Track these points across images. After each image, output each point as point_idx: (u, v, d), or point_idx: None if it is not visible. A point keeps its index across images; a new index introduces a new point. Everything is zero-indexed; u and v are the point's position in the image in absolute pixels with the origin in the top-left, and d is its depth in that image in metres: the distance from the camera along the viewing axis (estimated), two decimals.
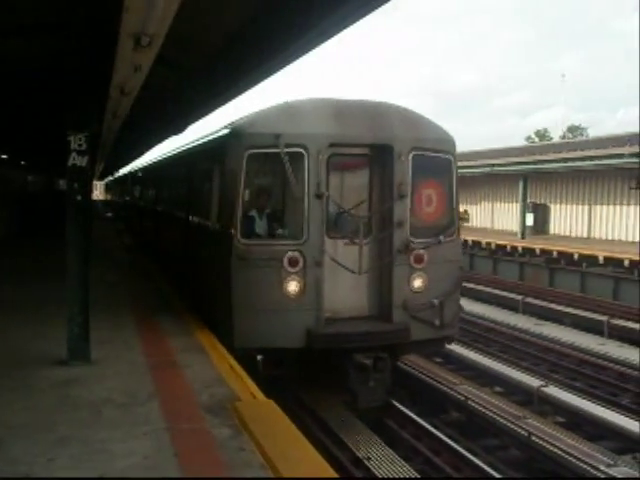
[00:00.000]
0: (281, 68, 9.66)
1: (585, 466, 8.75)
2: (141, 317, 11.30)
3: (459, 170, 10.46)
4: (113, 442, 5.91)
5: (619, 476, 8.41)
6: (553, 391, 11.91)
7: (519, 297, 22.28)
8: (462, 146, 15.39)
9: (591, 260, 25.94)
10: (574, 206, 33.52)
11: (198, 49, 9.74)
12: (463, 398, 11.19)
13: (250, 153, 9.16)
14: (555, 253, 27.83)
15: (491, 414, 10.56)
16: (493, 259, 31.10)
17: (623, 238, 30.33)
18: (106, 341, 9.30)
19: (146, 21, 5.12)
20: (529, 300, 22.06)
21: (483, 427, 10.62)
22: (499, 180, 35.54)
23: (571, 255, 26.95)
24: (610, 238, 31.02)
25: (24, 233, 26.79)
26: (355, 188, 9.94)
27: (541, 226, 34.95)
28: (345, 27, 7.51)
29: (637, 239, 28.67)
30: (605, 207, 31.59)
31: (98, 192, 72.25)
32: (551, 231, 35.04)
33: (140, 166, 30.48)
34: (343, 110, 9.57)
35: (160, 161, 21.25)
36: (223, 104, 13.54)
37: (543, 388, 11.98)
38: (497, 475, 8.77)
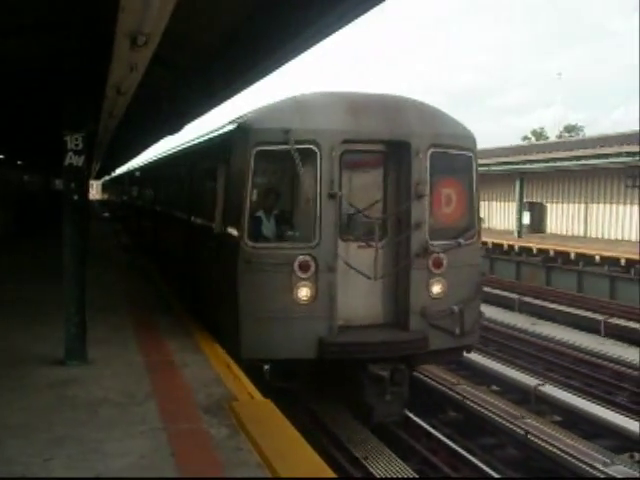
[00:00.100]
0: (277, 68, 9.64)
1: (582, 465, 8.76)
2: (138, 317, 11.28)
3: None
4: (110, 442, 5.90)
5: (617, 475, 8.43)
6: (550, 390, 11.93)
7: (516, 296, 22.31)
8: None
9: (587, 259, 25.99)
10: (570, 205, 33.57)
11: (194, 48, 9.73)
12: (461, 397, 11.19)
13: (258, 150, 8.61)
14: (552, 252, 27.88)
15: (488, 413, 10.56)
16: (490, 258, 31.15)
17: (619, 237, 30.39)
18: (103, 341, 9.28)
19: (142, 20, 5.11)
20: (526, 299, 22.09)
21: (480, 426, 10.63)
22: (495, 179, 35.59)
23: (568, 254, 26.99)
24: (606, 237, 31.07)
25: (21, 233, 26.73)
26: (368, 187, 9.44)
27: (537, 225, 35.02)
28: (342, 26, 7.50)
29: (633, 238, 28.73)
30: (601, 206, 31.65)
31: (95, 191, 72.15)
32: (547, 230, 35.10)
33: (138, 165, 30.24)
34: (357, 104, 9.01)
35: (159, 159, 20.75)
36: (219, 104, 13.53)
37: (540, 387, 12.00)
38: (496, 475, 8.78)
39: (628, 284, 23.66)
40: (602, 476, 8.48)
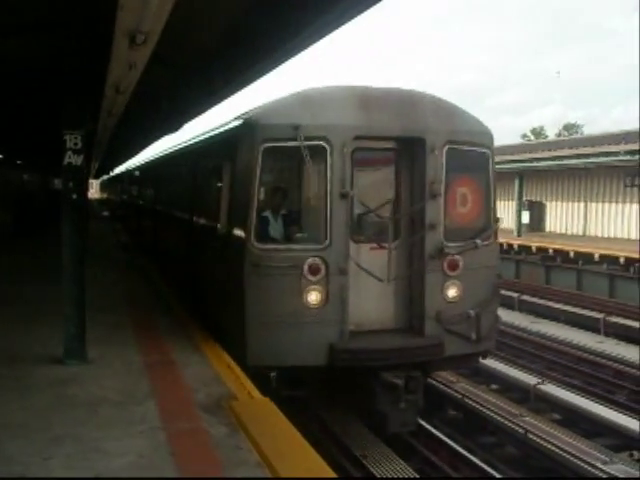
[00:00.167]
0: (276, 66, 9.62)
1: (581, 463, 8.77)
2: (138, 317, 11.27)
3: None
4: (109, 441, 5.89)
5: (616, 474, 8.43)
6: (550, 389, 11.94)
7: (515, 295, 22.32)
8: None
9: (587, 257, 25.99)
10: (570, 204, 33.59)
11: (193, 47, 9.71)
12: (460, 396, 11.20)
13: (266, 147, 8.23)
14: (551, 251, 27.88)
15: (488, 412, 10.57)
16: None
17: (619, 235, 30.40)
18: (103, 340, 9.27)
19: (141, 19, 5.10)
20: (525, 298, 22.09)
21: (480, 425, 10.63)
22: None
23: (567, 253, 27.00)
24: (605, 235, 31.09)
25: (20, 233, 26.71)
26: (379, 186, 9.09)
27: (537, 224, 35.03)
28: (340, 25, 7.50)
29: (632, 236, 28.73)
30: (600, 205, 31.67)
31: (94, 190, 72.15)
32: (547, 229, 35.11)
33: (138, 163, 29.99)
34: (369, 99, 8.59)
35: (160, 158, 20.28)
36: (219, 102, 13.52)
37: (539, 386, 12.01)
38: (497, 475, 8.77)
39: (627, 282, 23.68)
40: (601, 475, 8.49)
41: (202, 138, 12.66)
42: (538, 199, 35.45)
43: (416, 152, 8.74)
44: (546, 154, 30.47)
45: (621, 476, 8.39)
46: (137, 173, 28.28)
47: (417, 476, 8.44)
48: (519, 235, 32.47)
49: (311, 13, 7.27)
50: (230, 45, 9.41)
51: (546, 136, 68.74)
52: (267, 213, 8.60)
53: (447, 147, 8.70)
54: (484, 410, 10.65)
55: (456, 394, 11.30)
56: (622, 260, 24.41)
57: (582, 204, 32.71)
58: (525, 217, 33.83)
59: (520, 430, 9.81)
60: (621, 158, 25.75)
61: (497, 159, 33.74)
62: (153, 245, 19.73)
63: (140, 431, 6.15)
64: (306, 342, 8.19)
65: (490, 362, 13.68)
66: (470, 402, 10.95)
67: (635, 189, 28.68)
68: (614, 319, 18.70)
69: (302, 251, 8.28)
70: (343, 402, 9.38)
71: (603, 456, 8.89)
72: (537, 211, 35.18)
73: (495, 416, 10.39)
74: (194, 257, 11.89)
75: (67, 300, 8.36)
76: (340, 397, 9.22)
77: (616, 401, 12.23)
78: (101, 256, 19.24)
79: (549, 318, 19.78)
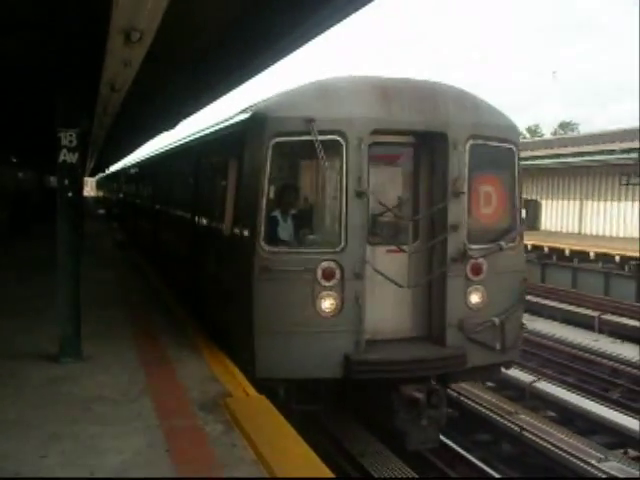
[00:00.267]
0: (275, 62, 9.61)
1: (576, 461, 8.80)
2: (134, 315, 11.27)
3: None
4: (104, 439, 5.90)
5: (611, 471, 8.46)
6: (545, 386, 11.97)
7: None
8: None
9: (582, 256, 26.06)
10: (565, 202, 33.66)
11: (189, 45, 9.70)
12: (455, 394, 11.21)
13: (276, 142, 7.66)
14: (546, 249, 27.94)
15: (483, 410, 10.59)
16: None
17: (614, 234, 30.47)
18: (98, 338, 9.26)
19: (136, 16, 5.10)
20: None
21: (475, 423, 10.65)
22: None
23: (562, 251, 27.07)
24: (601, 234, 31.16)
25: (16, 231, 26.66)
26: (396, 184, 8.55)
27: (532, 222, 34.91)
28: (336, 23, 7.53)
29: (628, 235, 28.81)
30: (596, 203, 31.74)
31: (89, 189, 72.04)
32: (542, 227, 35.15)
33: (136, 161, 29.42)
34: (388, 90, 7.97)
35: (160, 155, 19.43)
36: (215, 100, 13.53)
37: (535, 383, 12.04)
38: (495, 474, 8.78)
39: (622, 280, 23.75)
40: (596, 472, 8.52)
41: (206, 133, 12.09)
42: (534, 197, 35.49)
43: (437, 147, 8.19)
44: (542, 152, 30.51)
45: (616, 473, 8.43)
46: (135, 171, 27.63)
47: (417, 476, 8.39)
48: None
49: (307, 10, 7.27)
50: (226, 42, 9.41)
51: (542, 134, 68.86)
52: (276, 213, 8.02)
53: (471, 142, 8.16)
54: (479, 408, 10.67)
55: (452, 392, 11.32)
56: (617, 259, 24.48)
57: (578, 202, 32.78)
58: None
59: (515, 428, 9.83)
60: (617, 156, 25.82)
61: None
62: (152, 245, 19.04)
63: (135, 428, 6.15)
64: (319, 353, 7.61)
65: None
66: (465, 400, 10.97)
67: (630, 187, 28.74)
68: (609, 317, 18.75)
69: (315, 254, 7.71)
70: (358, 418, 8.83)
71: (598, 454, 8.92)
72: (532, 209, 35.08)
73: (490, 414, 10.41)
74: (197, 259, 11.34)
75: (62, 298, 8.36)
76: (355, 412, 8.69)
77: (611, 399, 12.27)
78: (97, 254, 19.23)
79: (544, 316, 19.82)
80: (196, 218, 11.57)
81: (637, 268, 23.25)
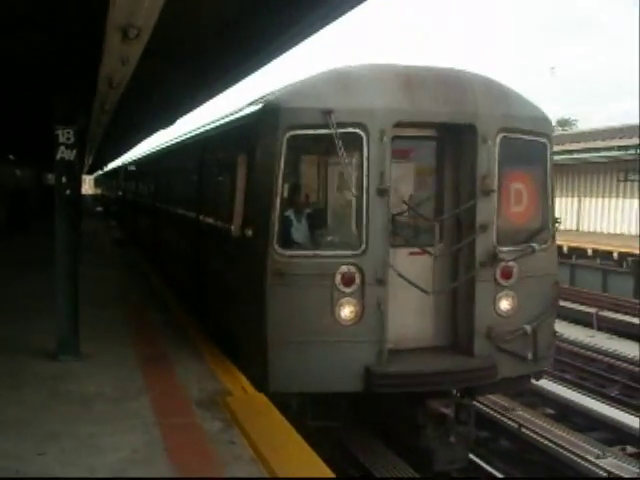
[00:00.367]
0: (273, 58, 9.57)
1: (575, 457, 8.81)
2: (132, 313, 11.27)
3: None
4: (103, 437, 5.90)
5: (609, 468, 8.47)
6: (543, 383, 11.97)
7: None
8: None
9: (580, 252, 26.09)
10: (563, 198, 33.66)
11: (187, 41, 9.68)
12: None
13: (291, 135, 7.07)
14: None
15: (481, 406, 10.60)
16: None
17: (612, 231, 30.49)
18: (96, 336, 9.25)
19: (133, 13, 5.08)
20: None
21: (474, 419, 10.64)
22: None
23: (560, 248, 27.06)
24: (599, 231, 31.18)
25: (13, 228, 26.63)
26: (407, 180, 8.07)
27: None
28: (334, 19, 7.50)
29: (625, 231, 28.84)
30: (594, 200, 31.75)
31: (87, 186, 72.00)
32: None
33: (135, 158, 29.06)
34: (411, 78, 7.41)
35: (161, 151, 18.85)
36: (213, 97, 13.51)
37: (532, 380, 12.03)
38: (494, 471, 8.79)
39: (620, 277, 23.78)
40: (594, 468, 8.53)
41: (211, 127, 11.49)
42: None
43: (464, 141, 7.63)
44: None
45: (614, 470, 8.44)
46: (134, 168, 27.16)
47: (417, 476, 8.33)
48: None
49: (304, 9, 7.26)
50: (223, 40, 9.39)
51: None
52: (289, 213, 7.47)
53: (501, 135, 7.58)
54: (477, 404, 10.67)
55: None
56: (615, 255, 24.51)
57: (575, 199, 32.79)
58: None
59: (514, 424, 9.84)
60: (615, 153, 25.83)
61: None
62: (152, 245, 18.59)
63: (134, 426, 6.15)
64: (338, 364, 7.05)
65: None
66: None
67: (628, 184, 28.74)
68: (607, 314, 18.78)
69: (333, 258, 7.14)
70: (377, 433, 8.30)
71: (596, 450, 8.94)
72: None
73: (489, 410, 10.41)
74: (201, 261, 10.78)
75: (60, 296, 8.36)
76: (374, 427, 8.23)
77: (609, 395, 12.29)
78: (95, 252, 19.20)
79: None
80: (200, 217, 11.04)
81: (635, 265, 23.28)
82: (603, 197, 31.11)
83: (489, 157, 7.52)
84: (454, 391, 7.69)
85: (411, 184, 8.11)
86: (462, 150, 7.70)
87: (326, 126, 6.93)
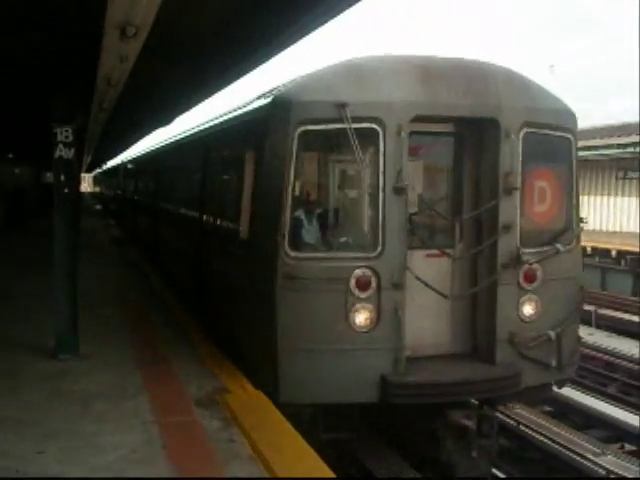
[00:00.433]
0: (272, 56, 9.57)
1: (573, 455, 8.82)
2: (131, 312, 11.26)
3: None
4: (102, 435, 5.90)
5: (607, 466, 8.49)
6: None
7: None
8: None
9: None
10: None
11: (185, 39, 9.67)
12: None
13: (303, 130, 6.72)
14: None
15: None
16: None
17: (610, 229, 30.50)
18: (95, 335, 9.25)
19: (131, 11, 5.08)
20: None
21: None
22: None
23: None
24: (598, 228, 31.18)
25: (12, 227, 26.62)
26: (435, 178, 7.79)
27: None
28: (332, 17, 7.49)
29: (624, 229, 28.87)
30: (592, 198, 31.75)
31: (86, 184, 72.00)
32: None
33: (135, 155, 28.77)
34: (430, 70, 7.07)
35: (163, 147, 18.32)
36: (210, 96, 13.51)
37: None
38: (500, 474, 8.79)
39: (619, 275, 23.81)
40: (592, 466, 8.55)
41: (216, 123, 11.03)
42: None
43: (486, 136, 7.27)
44: None
45: (612, 468, 8.46)
46: (134, 166, 26.81)
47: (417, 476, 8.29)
48: None
49: (302, 8, 7.26)
50: (221, 38, 9.38)
51: None
52: (299, 212, 7.04)
53: (525, 130, 7.21)
54: (476, 402, 10.67)
55: None
56: (614, 253, 24.53)
57: None
58: None
59: (512, 422, 9.85)
60: (614, 151, 25.83)
61: None
62: (152, 244, 18.16)
63: (133, 425, 6.16)
64: (352, 374, 6.69)
65: None
66: None
67: (627, 182, 28.75)
68: (605, 311, 18.80)
69: (348, 260, 6.78)
70: (396, 447, 7.87)
71: (595, 448, 8.95)
72: None
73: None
74: (204, 262, 10.39)
75: (59, 295, 8.35)
76: (390, 438, 7.89)
77: (607, 393, 12.30)
78: (94, 250, 19.19)
79: None
80: (204, 217, 10.62)
81: (634, 263, 23.31)
82: (602, 195, 31.11)
83: (512, 153, 7.14)
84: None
85: (420, 183, 7.70)
86: (483, 146, 7.34)
87: (340, 120, 6.59)
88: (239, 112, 9.38)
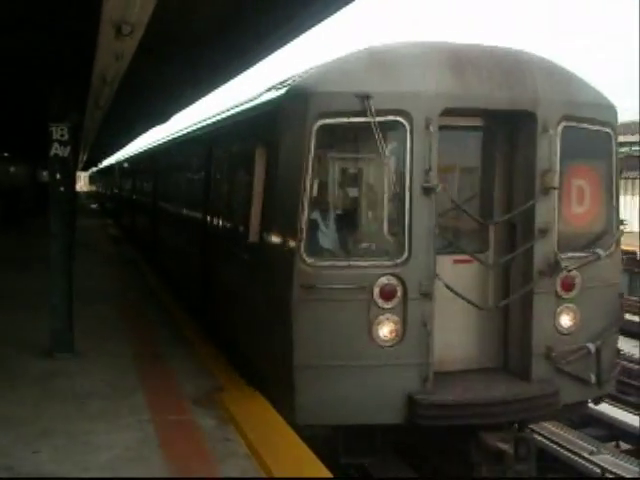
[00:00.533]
0: (268, 54, 9.57)
1: (568, 453, 8.82)
2: (127, 310, 11.26)
3: None
4: (97, 434, 5.89)
5: (603, 464, 8.49)
6: None
7: None
8: None
9: None
10: None
11: (181, 37, 9.66)
12: None
13: (321, 124, 6.09)
14: None
15: None
16: None
17: None
18: (91, 333, 9.25)
19: (127, 9, 5.07)
20: None
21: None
22: None
23: None
24: None
25: (7, 225, 26.58)
26: (463, 176, 7.20)
27: None
28: (329, 15, 7.49)
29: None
30: None
31: (82, 183, 71.89)
32: None
33: (133, 153, 28.34)
34: (461, 58, 6.45)
35: (161, 145, 17.78)
36: (207, 93, 13.50)
37: None
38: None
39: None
40: (588, 464, 8.55)
41: (221, 118, 10.42)
42: None
43: (521, 130, 6.70)
44: None
45: (608, 466, 8.46)
46: (132, 164, 26.29)
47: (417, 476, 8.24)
48: None
49: (298, 6, 7.25)
50: (218, 34, 9.37)
51: None
52: (317, 215, 6.41)
53: (563, 125, 6.62)
54: None
55: None
56: None
57: None
58: None
59: None
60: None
61: None
62: (152, 246, 17.54)
63: (128, 424, 6.15)
64: (376, 392, 6.12)
65: None
66: None
67: (629, 181, 28.75)
68: None
69: (371, 268, 6.18)
70: (417, 467, 7.28)
71: (590, 446, 8.95)
72: None
73: None
74: (207, 265, 9.84)
75: (55, 293, 8.35)
76: (415, 464, 7.26)
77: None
78: (90, 249, 19.17)
79: None
80: (208, 218, 10.00)
81: (630, 262, 23.33)
82: None
83: (550, 149, 6.52)
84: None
85: (478, 179, 7.17)
86: (517, 141, 6.76)
87: (363, 113, 6.00)
88: (247, 106, 8.88)
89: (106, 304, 11.60)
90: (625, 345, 14.99)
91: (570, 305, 6.71)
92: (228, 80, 11.63)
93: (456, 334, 6.68)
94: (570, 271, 6.60)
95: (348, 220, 6.59)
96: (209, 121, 11.56)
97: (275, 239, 6.65)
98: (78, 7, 6.55)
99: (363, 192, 6.66)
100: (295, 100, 6.56)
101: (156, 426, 6.09)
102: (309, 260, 6.10)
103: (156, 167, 17.61)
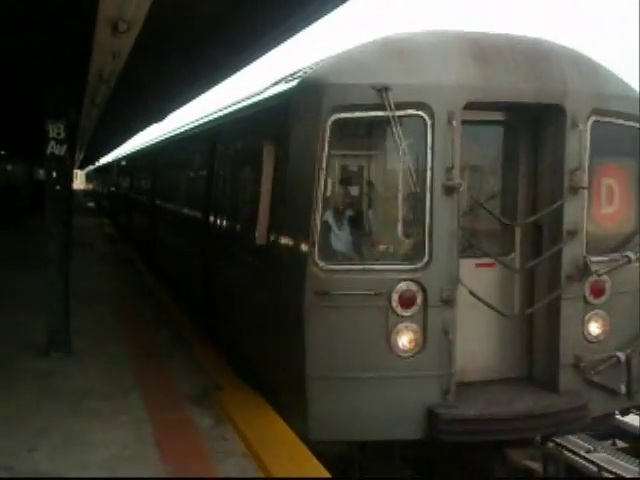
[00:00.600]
0: (265, 53, 9.56)
1: (565, 451, 8.82)
2: (123, 309, 11.25)
3: None
4: (94, 432, 5.88)
5: (600, 462, 8.49)
6: None
7: None
8: None
9: None
10: None
11: (178, 35, 9.65)
12: None
13: (336, 119, 5.69)
14: None
15: None
16: None
17: None
18: (87, 332, 9.24)
19: (123, 7, 5.05)
20: None
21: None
22: None
23: None
24: None
25: (3, 224, 26.53)
26: (484, 175, 6.85)
27: None
28: (325, 14, 7.48)
29: None
30: None
31: (79, 181, 71.79)
32: None
33: (131, 151, 28.14)
34: (485, 48, 6.06)
35: (161, 142, 17.28)
36: (204, 91, 13.48)
37: None
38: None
39: None
40: (584, 462, 8.55)
41: (225, 113, 10.00)
42: None
43: (549, 126, 6.30)
44: None
45: (604, 464, 8.46)
46: (130, 162, 26.04)
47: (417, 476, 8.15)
48: None
49: (295, 4, 7.24)
50: (215, 32, 9.35)
51: None
52: (331, 216, 6.06)
53: (592, 119, 6.20)
54: None
55: None
56: None
57: None
58: None
59: None
60: None
61: None
62: (150, 245, 17.09)
63: (125, 422, 6.15)
64: (394, 405, 5.76)
65: None
66: None
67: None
68: None
69: (389, 272, 5.80)
70: None
71: (587, 444, 8.96)
72: None
73: None
74: (209, 267, 9.46)
75: (52, 291, 8.34)
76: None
77: None
78: (87, 248, 19.14)
79: None
80: (210, 218, 9.58)
81: None
82: None
83: (580, 146, 6.11)
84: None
85: (499, 177, 6.86)
86: (544, 137, 6.34)
87: (380, 107, 5.61)
88: (253, 100, 8.52)
89: (103, 303, 11.58)
90: None
91: (599, 311, 6.34)
92: (226, 78, 11.62)
93: (477, 342, 6.30)
94: (600, 275, 6.22)
95: (364, 222, 6.27)
96: (212, 117, 11.19)
97: (284, 241, 6.25)
98: (74, 5, 6.53)
99: (381, 191, 6.33)
100: (307, 93, 6.18)
101: (153, 425, 6.08)
102: (322, 264, 5.72)
103: (155, 165, 17.13)
